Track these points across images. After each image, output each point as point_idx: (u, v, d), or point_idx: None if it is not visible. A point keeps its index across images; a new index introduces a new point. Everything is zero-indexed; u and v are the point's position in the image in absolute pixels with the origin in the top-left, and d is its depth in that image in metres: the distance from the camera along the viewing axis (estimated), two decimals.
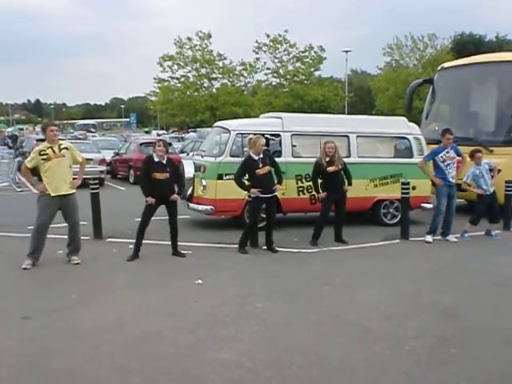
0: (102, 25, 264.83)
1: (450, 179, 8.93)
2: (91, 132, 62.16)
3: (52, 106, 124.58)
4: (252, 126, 10.17)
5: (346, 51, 43.03)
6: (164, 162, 7.79)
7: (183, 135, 42.21)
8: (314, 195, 9.54)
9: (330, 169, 8.69)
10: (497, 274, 7.06)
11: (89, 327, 5.05)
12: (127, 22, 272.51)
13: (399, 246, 8.89)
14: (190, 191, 10.13)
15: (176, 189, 8.04)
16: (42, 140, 7.89)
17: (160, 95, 48.50)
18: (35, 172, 7.43)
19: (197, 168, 10.11)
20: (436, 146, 9.40)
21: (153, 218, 7.88)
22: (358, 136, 10.22)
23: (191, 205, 10.04)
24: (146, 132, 66.05)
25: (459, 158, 9.21)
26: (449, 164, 8.94)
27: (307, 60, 45.68)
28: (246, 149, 9.04)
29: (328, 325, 5.18)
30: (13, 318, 5.30)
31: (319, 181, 8.86)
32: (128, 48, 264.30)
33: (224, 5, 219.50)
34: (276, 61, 46.02)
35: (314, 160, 8.95)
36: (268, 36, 44.81)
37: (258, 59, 45.92)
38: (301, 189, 9.84)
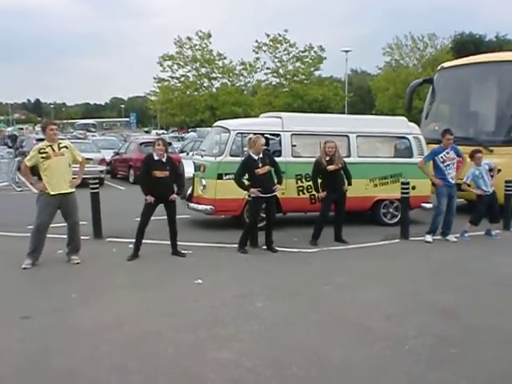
0: (102, 24, 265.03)
1: (450, 180, 8.93)
2: (91, 132, 62.16)
3: (52, 106, 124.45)
4: (252, 125, 10.16)
5: (346, 51, 43.01)
6: (164, 160, 7.79)
7: (183, 135, 42.24)
8: (313, 195, 9.54)
9: (331, 167, 8.69)
10: (497, 273, 7.06)
11: (88, 327, 5.05)
12: (127, 22, 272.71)
13: (399, 245, 8.89)
14: (189, 191, 10.13)
15: (175, 188, 8.03)
16: (42, 140, 7.89)
17: (160, 95, 48.49)
18: (35, 172, 7.43)
19: (197, 168, 10.11)
20: (436, 145, 9.41)
21: (152, 218, 7.88)
22: (357, 136, 10.22)
23: (191, 204, 10.03)
24: (146, 132, 66.07)
25: (459, 159, 9.21)
26: (448, 165, 8.94)
27: (307, 60, 45.68)
28: (245, 148, 9.04)
29: (328, 324, 5.18)
30: (13, 318, 5.30)
31: (319, 180, 8.87)
32: (128, 47, 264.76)
33: (224, 5, 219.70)
34: (276, 60, 46.04)
35: (313, 160, 8.95)
36: (268, 36, 44.84)
37: (257, 59, 45.96)
38: (301, 188, 9.84)
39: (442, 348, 4.58)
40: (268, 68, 46.33)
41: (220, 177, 9.43)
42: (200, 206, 9.76)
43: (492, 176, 9.47)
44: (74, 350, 4.51)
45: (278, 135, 9.95)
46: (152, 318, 5.31)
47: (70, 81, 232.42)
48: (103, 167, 18.70)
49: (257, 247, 8.41)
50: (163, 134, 48.40)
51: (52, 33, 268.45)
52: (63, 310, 5.55)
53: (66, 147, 7.42)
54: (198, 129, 38.02)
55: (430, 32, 50.20)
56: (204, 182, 9.69)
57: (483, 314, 5.48)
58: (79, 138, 31.76)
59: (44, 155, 7.20)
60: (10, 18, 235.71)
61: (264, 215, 8.64)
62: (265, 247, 8.35)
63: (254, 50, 45.61)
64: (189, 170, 10.23)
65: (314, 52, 45.48)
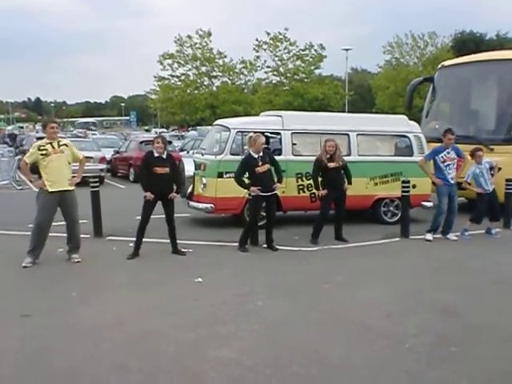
0: (102, 23, 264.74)
1: (450, 180, 8.92)
2: (92, 130, 62.13)
3: (52, 104, 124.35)
4: (252, 124, 10.15)
5: (347, 49, 42.94)
6: (164, 156, 7.80)
7: (183, 133, 42.21)
8: (314, 193, 9.53)
9: (331, 164, 8.69)
10: (497, 272, 7.06)
11: (89, 325, 5.05)
12: (127, 21, 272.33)
13: (399, 244, 8.89)
14: (190, 189, 10.13)
15: (175, 187, 8.03)
16: (42, 138, 7.89)
17: (160, 93, 48.45)
18: (35, 170, 7.43)
19: (197, 166, 10.10)
20: (436, 144, 9.41)
21: (152, 217, 7.88)
22: (358, 134, 10.22)
23: (191, 203, 10.04)
24: (146, 130, 66.00)
25: (460, 159, 9.20)
26: (449, 165, 8.93)
27: (307, 58, 45.71)
28: (246, 147, 9.03)
29: (328, 323, 5.18)
30: (13, 317, 5.30)
31: (319, 179, 8.86)
32: (128, 46, 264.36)
33: (224, 5, 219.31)
34: (276, 59, 46.07)
35: (314, 158, 8.95)
36: (268, 34, 44.84)
37: (258, 57, 45.98)
38: (301, 187, 9.84)
39: (443, 347, 4.58)
40: (268, 66, 46.43)
41: (220, 175, 9.43)
42: (200, 205, 9.76)
43: (492, 174, 9.47)
44: (75, 349, 4.51)
45: (278, 134, 9.95)
46: (152, 316, 5.32)
47: (70, 79, 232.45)
48: (103, 166, 18.71)
49: (257, 246, 8.41)
50: (162, 132, 48.30)
51: (52, 31, 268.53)
52: (63, 308, 5.55)
53: (65, 145, 7.44)
54: (198, 127, 38.00)
55: (431, 30, 50.23)
56: (204, 180, 9.69)
57: (483, 313, 5.48)
58: (79, 137, 31.72)
59: (44, 152, 7.21)
60: (10, 17, 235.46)
61: (264, 214, 8.64)
62: (265, 246, 8.35)
63: (254, 49, 45.69)
64: (189, 169, 10.23)
65: (315, 50, 45.54)
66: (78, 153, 7.71)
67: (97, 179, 9.66)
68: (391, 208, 10.45)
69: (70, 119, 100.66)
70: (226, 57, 47.21)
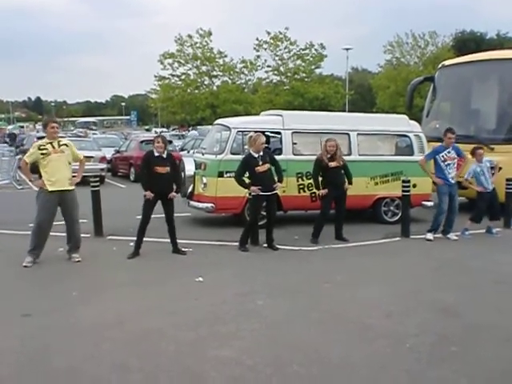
0: (102, 23, 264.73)
1: (450, 179, 8.92)
2: (92, 129, 62.15)
3: (53, 104, 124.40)
4: (253, 123, 10.15)
5: (347, 49, 42.97)
6: (164, 156, 7.81)
7: (183, 133, 42.21)
8: (314, 193, 9.53)
9: (332, 164, 8.69)
10: (497, 271, 7.06)
11: (89, 325, 5.05)
12: (127, 21, 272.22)
13: (400, 243, 8.89)
14: (190, 189, 10.13)
15: (175, 186, 8.03)
16: (43, 138, 7.90)
17: (160, 93, 48.43)
18: (35, 170, 7.43)
19: (197, 166, 10.10)
20: (437, 143, 9.41)
21: (152, 216, 7.87)
22: (358, 134, 10.21)
23: (192, 202, 10.04)
24: (147, 130, 66.02)
25: (460, 158, 9.20)
26: (449, 164, 8.93)
27: (308, 58, 45.68)
28: (246, 146, 9.04)
29: (328, 322, 5.18)
30: (13, 316, 5.30)
31: (320, 178, 8.87)
32: (128, 46, 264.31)
33: (224, 5, 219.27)
34: (276, 58, 46.02)
35: (314, 158, 8.95)
36: (268, 33, 44.82)
37: (258, 57, 45.95)
38: (301, 186, 9.84)
39: (443, 346, 4.58)
40: (269, 66, 46.38)
41: (221, 175, 9.43)
42: (201, 204, 9.76)
43: (493, 174, 9.47)
44: (75, 348, 4.51)
45: (278, 133, 9.96)
46: (153, 315, 5.32)
47: (70, 79, 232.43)
48: (104, 165, 18.72)
49: (257, 245, 8.42)
50: (163, 132, 48.31)
51: (52, 31, 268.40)
52: (64, 308, 5.55)
53: (65, 145, 7.44)
54: (198, 127, 38.00)
55: (431, 30, 50.21)
56: (205, 180, 9.69)
57: (484, 312, 5.48)
58: (80, 136, 31.72)
59: (44, 151, 7.21)
60: (10, 17, 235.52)
61: (265, 213, 8.64)
62: (265, 245, 8.36)
63: (254, 48, 45.64)
64: (189, 168, 10.23)
65: (315, 50, 45.50)
66: (78, 153, 7.71)
67: (97, 179, 9.66)
68: (392, 207, 10.45)
69: (70, 119, 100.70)
70: (226, 56, 47.24)
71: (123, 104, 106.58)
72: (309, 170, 9.29)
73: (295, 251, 8.22)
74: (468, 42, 47.34)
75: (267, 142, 9.06)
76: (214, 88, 48.18)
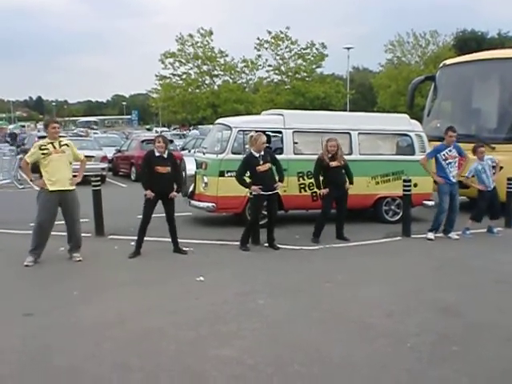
0: (102, 23, 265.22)
1: (451, 178, 8.91)
2: (93, 129, 62.18)
3: (54, 103, 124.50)
4: (254, 123, 10.15)
5: (348, 48, 42.95)
6: (165, 156, 7.81)
7: (184, 132, 42.21)
8: (315, 192, 9.53)
9: (333, 163, 8.69)
10: (498, 271, 7.05)
11: (90, 324, 5.06)
12: (128, 21, 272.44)
13: (401, 243, 8.88)
14: (191, 188, 10.13)
15: (175, 186, 8.03)
16: (44, 137, 7.91)
17: (161, 92, 48.50)
18: (36, 169, 7.44)
19: (198, 165, 10.10)
20: (438, 143, 9.40)
21: (153, 215, 7.88)
22: (359, 133, 10.21)
23: (193, 202, 10.04)
24: (148, 129, 66.08)
25: (462, 157, 9.19)
26: (450, 163, 8.92)
27: (309, 57, 45.70)
28: (247, 146, 9.04)
29: (329, 322, 5.18)
30: (15, 315, 5.31)
31: (321, 178, 8.87)
32: (128, 45, 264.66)
33: (224, 5, 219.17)
34: (277, 58, 46.06)
35: (315, 157, 8.95)
36: (269, 33, 44.81)
37: (259, 56, 45.97)
38: (302, 186, 9.83)
39: (444, 345, 4.58)
40: (270, 65, 46.42)
41: (222, 174, 9.42)
42: (202, 204, 9.76)
43: (494, 173, 9.46)
44: (76, 348, 4.52)
45: (279, 132, 9.96)
46: (154, 315, 5.32)
47: (70, 79, 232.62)
48: (105, 165, 18.74)
49: (258, 245, 8.41)
50: (163, 131, 48.26)
51: (52, 31, 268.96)
52: (65, 307, 5.55)
53: (66, 145, 7.45)
54: (200, 126, 38.02)
55: (432, 29, 50.26)
56: (206, 179, 9.69)
57: (485, 312, 5.47)
58: (81, 136, 31.76)
59: (45, 151, 7.22)
60: (10, 17, 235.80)
61: (266, 212, 8.64)
62: (266, 245, 8.36)
63: (255, 48, 45.67)
64: (190, 168, 10.23)
65: (316, 49, 45.53)
66: (78, 153, 7.72)
67: (98, 178, 9.65)
68: (393, 207, 10.44)
69: (71, 118, 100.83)
70: (227, 56, 47.30)
71: (124, 103, 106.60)
72: (310, 169, 9.29)
73: (296, 251, 8.22)
74: (469, 42, 47.27)
75: (268, 141, 9.05)
76: (215, 87, 48.24)
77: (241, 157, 8.73)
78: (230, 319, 5.18)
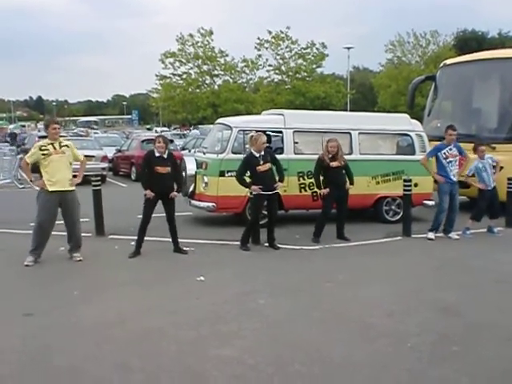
0: (102, 23, 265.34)
1: (452, 177, 8.91)
2: (94, 129, 62.21)
3: (54, 103, 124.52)
4: (254, 122, 10.16)
5: (348, 48, 42.95)
6: (165, 156, 7.81)
7: (185, 132, 42.21)
8: (315, 192, 9.53)
9: (334, 164, 8.69)
10: (499, 271, 7.05)
11: (90, 324, 5.05)
12: (128, 21, 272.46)
13: (401, 242, 8.88)
14: (191, 188, 10.13)
15: (175, 186, 8.03)
16: (44, 137, 7.91)
17: (162, 92, 48.48)
18: (36, 169, 7.44)
19: (199, 165, 10.10)
20: (438, 143, 9.39)
21: (154, 215, 7.88)
22: (359, 133, 10.20)
23: (193, 202, 10.04)
24: (148, 129, 66.09)
25: (462, 157, 9.19)
26: (451, 161, 8.92)
27: (309, 57, 45.68)
28: (247, 146, 9.03)
29: (330, 322, 5.18)
30: (15, 315, 5.31)
31: (321, 178, 8.87)
32: (128, 45, 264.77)
33: (224, 5, 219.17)
34: (278, 57, 46.04)
35: (315, 157, 8.95)
36: (270, 33, 44.79)
37: (259, 56, 45.94)
38: (303, 186, 9.83)
39: (444, 345, 4.58)
40: (270, 65, 46.40)
41: (222, 174, 9.42)
42: (202, 204, 9.76)
43: (494, 173, 9.46)
44: (76, 348, 4.52)
45: (280, 132, 9.95)
46: (154, 315, 5.32)
47: (70, 79, 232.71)
48: (105, 164, 18.75)
49: (259, 244, 8.41)
50: (164, 131, 48.25)
51: (52, 31, 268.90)
52: (65, 307, 5.55)
53: (66, 146, 7.44)
54: (200, 126, 38.02)
55: (433, 29, 50.31)
56: (206, 179, 9.69)
57: (485, 312, 5.47)
58: (81, 135, 31.78)
59: (45, 152, 7.22)
60: (10, 17, 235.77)
61: (266, 212, 8.63)
62: (267, 244, 8.35)
63: (255, 47, 45.64)
64: (191, 167, 10.23)
65: (316, 49, 45.50)
66: (79, 154, 7.71)
67: (99, 178, 9.65)
68: (393, 207, 10.44)
69: (71, 118, 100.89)
70: (227, 55, 47.26)
71: (124, 103, 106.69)
72: (310, 169, 9.29)
73: (296, 250, 8.22)
74: (469, 41, 47.29)
75: (268, 141, 9.04)
76: (216, 87, 48.22)
77: (241, 157, 8.72)
78: (231, 319, 5.18)
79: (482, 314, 5.41)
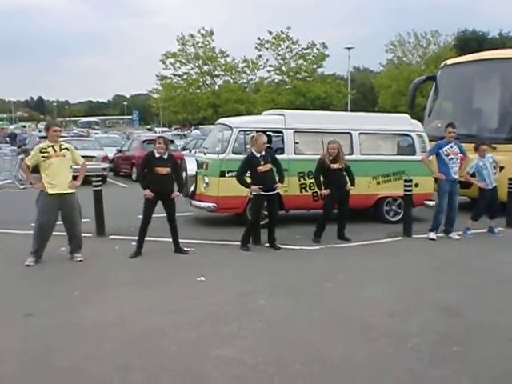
0: (102, 23, 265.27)
1: (453, 175, 8.90)
2: (94, 129, 62.21)
3: (54, 104, 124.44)
4: (254, 123, 10.16)
5: (349, 48, 42.86)
6: (165, 157, 7.82)
7: (185, 132, 42.21)
8: (316, 192, 9.53)
9: (334, 165, 8.69)
10: (499, 271, 7.05)
11: (91, 324, 5.05)
12: (128, 21, 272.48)
13: (402, 243, 8.88)
14: (192, 188, 10.13)
15: (176, 187, 8.04)
16: (45, 137, 7.91)
17: (162, 92, 48.43)
18: (37, 170, 7.43)
19: (199, 165, 10.10)
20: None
21: (154, 215, 7.89)
22: (360, 133, 10.20)
23: (194, 202, 10.04)
24: (149, 129, 66.11)
25: (462, 156, 9.19)
26: (452, 158, 8.91)
27: (310, 57, 45.60)
28: (248, 146, 9.04)
29: (331, 322, 5.18)
30: (15, 316, 5.31)
31: (321, 179, 8.86)
32: (129, 46, 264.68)
33: (224, 5, 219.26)
34: (278, 58, 45.96)
35: (316, 157, 8.95)
36: (270, 33, 44.77)
37: (260, 56, 45.89)
38: (303, 186, 9.82)
39: (445, 345, 4.58)
40: (270, 65, 46.28)
41: (222, 174, 9.42)
42: (203, 204, 9.76)
43: (495, 173, 9.46)
44: (77, 348, 4.52)
45: (280, 132, 9.95)
46: (155, 315, 5.32)
47: (71, 79, 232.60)
48: (106, 165, 18.73)
49: (259, 245, 8.41)
50: (164, 131, 48.23)
51: (52, 32, 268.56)
52: (66, 307, 5.55)
53: (67, 149, 7.44)
54: (201, 126, 38.02)
55: (433, 29, 50.21)
56: (207, 179, 9.69)
57: (486, 312, 5.47)
58: (82, 136, 31.77)
59: (45, 154, 7.23)
60: (9, 17, 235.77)
61: (266, 213, 8.63)
62: (267, 245, 8.35)
63: (256, 48, 45.58)
64: (191, 168, 10.23)
65: (317, 49, 45.41)
66: (78, 157, 7.70)
67: (99, 178, 9.66)
68: (394, 207, 10.44)
69: (72, 118, 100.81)
70: (228, 56, 47.17)
71: (125, 103, 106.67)
72: (311, 169, 9.29)
73: (297, 251, 8.22)
74: (470, 42, 47.26)
75: (269, 141, 9.05)
76: (216, 87, 48.14)
77: (242, 157, 8.73)
78: (231, 319, 5.18)
79: (482, 314, 5.41)
